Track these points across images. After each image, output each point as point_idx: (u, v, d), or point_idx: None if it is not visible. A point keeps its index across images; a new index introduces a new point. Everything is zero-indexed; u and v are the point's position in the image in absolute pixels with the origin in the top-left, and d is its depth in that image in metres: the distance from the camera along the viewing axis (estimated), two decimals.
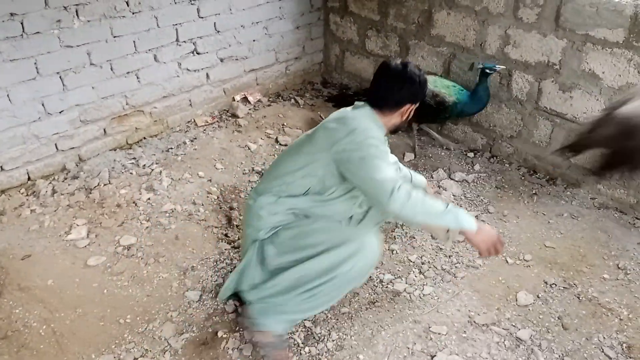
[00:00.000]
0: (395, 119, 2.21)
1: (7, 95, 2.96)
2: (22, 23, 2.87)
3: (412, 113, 2.22)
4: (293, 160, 2.18)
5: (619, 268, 2.73)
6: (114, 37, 3.26)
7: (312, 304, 2.14)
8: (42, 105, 3.11)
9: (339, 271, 2.06)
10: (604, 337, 2.35)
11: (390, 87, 2.13)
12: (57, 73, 3.10)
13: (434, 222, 2.05)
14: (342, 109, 2.22)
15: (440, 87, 3.36)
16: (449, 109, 3.33)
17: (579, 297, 2.56)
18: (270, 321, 2.15)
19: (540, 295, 2.57)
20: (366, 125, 2.08)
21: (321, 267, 2.07)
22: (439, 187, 3.33)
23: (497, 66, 3.24)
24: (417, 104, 2.21)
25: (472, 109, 3.39)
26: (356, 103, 2.21)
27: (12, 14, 2.82)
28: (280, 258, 2.16)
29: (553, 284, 2.63)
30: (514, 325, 2.40)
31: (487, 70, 3.23)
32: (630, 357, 2.26)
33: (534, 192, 3.32)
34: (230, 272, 2.62)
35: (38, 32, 2.94)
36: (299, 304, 2.13)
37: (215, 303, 2.47)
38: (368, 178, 1.99)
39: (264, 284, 2.18)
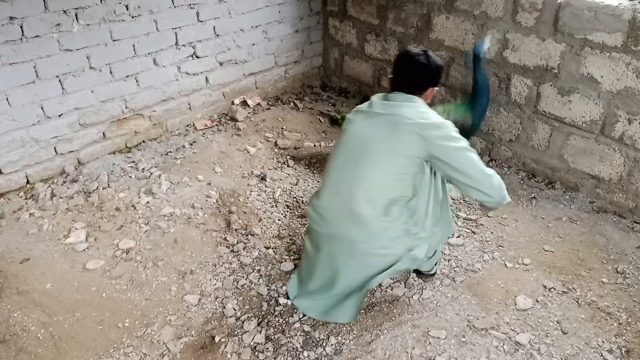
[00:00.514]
0: (426, 99, 2.32)
1: (7, 99, 2.96)
2: (21, 27, 2.87)
3: (435, 96, 2.43)
4: (389, 170, 2.21)
5: (617, 272, 2.73)
6: (114, 40, 3.27)
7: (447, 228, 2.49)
8: (42, 108, 3.11)
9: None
10: (603, 341, 2.35)
11: (414, 73, 2.24)
12: (57, 77, 3.11)
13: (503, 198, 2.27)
14: (378, 104, 2.27)
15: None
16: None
17: (577, 301, 2.56)
18: (337, 314, 2.37)
19: (539, 299, 2.57)
20: (435, 114, 2.24)
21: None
22: None
23: (484, 43, 3.17)
24: (439, 87, 2.37)
25: (481, 108, 3.26)
26: (391, 95, 2.27)
27: (11, 18, 2.82)
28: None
29: (552, 288, 2.63)
30: (513, 330, 2.40)
31: (477, 54, 3.17)
32: None
33: (532, 195, 3.32)
34: (232, 274, 2.62)
35: (37, 36, 2.95)
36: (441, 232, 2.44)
37: (214, 307, 2.46)
38: (470, 173, 2.19)
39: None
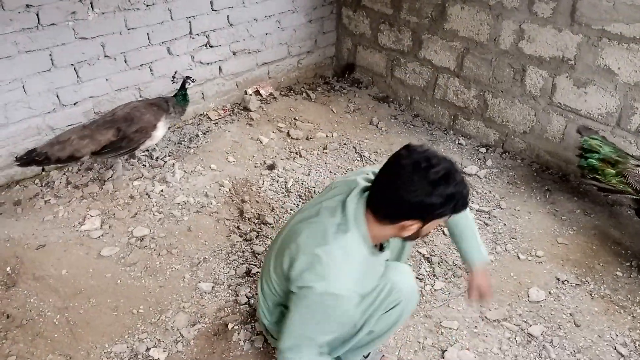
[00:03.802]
0: (389, 231, 1.61)
1: (23, 87, 2.98)
2: (37, 14, 2.89)
3: (422, 233, 1.62)
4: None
5: (632, 265, 2.71)
6: (128, 29, 3.28)
7: (376, 341, 1.94)
8: (57, 96, 3.14)
9: (398, 321, 1.86)
10: (617, 335, 2.34)
11: (392, 187, 1.50)
12: (72, 65, 3.13)
13: None
14: (334, 205, 1.66)
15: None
16: None
17: (591, 294, 2.55)
18: None
19: (552, 291, 2.56)
20: (336, 278, 1.55)
21: (380, 331, 1.86)
22: None
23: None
24: (433, 223, 1.58)
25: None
26: (355, 193, 1.64)
27: (27, 6, 2.84)
28: (340, 349, 1.88)
29: (565, 280, 2.62)
30: (525, 321, 2.40)
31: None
32: None
33: (546, 188, 3.30)
34: (243, 265, 2.64)
35: (53, 24, 2.96)
36: (363, 351, 1.98)
37: (228, 294, 2.48)
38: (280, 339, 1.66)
39: None
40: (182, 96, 3.24)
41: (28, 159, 2.79)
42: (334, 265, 1.54)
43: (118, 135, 2.93)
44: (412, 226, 1.54)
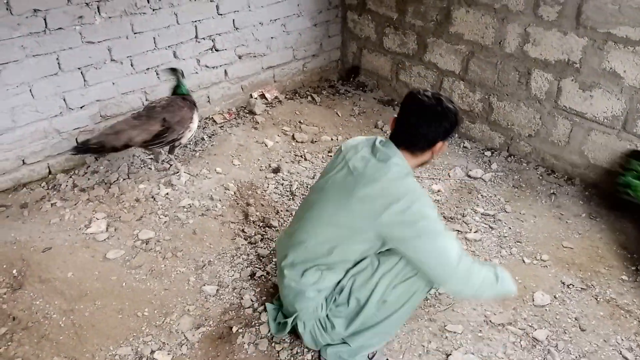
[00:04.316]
0: (426, 157, 1.97)
1: (30, 90, 3.01)
2: (44, 19, 2.91)
3: (443, 150, 2.00)
4: (324, 234, 1.93)
5: (638, 270, 2.70)
6: (135, 33, 3.30)
7: (383, 336, 2.11)
8: (64, 100, 3.16)
9: (412, 300, 2.00)
10: (622, 339, 2.32)
11: (422, 125, 1.89)
12: (79, 68, 3.15)
13: (487, 295, 1.93)
14: (362, 153, 1.94)
15: None
16: None
17: (596, 298, 2.54)
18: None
19: (557, 295, 2.55)
20: (408, 185, 1.83)
21: (394, 305, 1.98)
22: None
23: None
24: (448, 140, 1.98)
25: None
26: (377, 141, 1.96)
27: (35, 10, 2.86)
28: (351, 324, 2.02)
29: (570, 284, 2.61)
30: (530, 326, 2.39)
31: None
32: None
33: (552, 191, 3.29)
34: (248, 269, 2.65)
35: (60, 28, 2.99)
36: (375, 339, 2.08)
37: (232, 297, 2.49)
38: (433, 262, 1.81)
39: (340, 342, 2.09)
40: (183, 88, 3.29)
41: (84, 147, 2.91)
42: (407, 184, 1.84)
43: (164, 126, 3.03)
44: (443, 147, 1.95)
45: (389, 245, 1.89)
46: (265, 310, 2.40)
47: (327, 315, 2.05)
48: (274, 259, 2.71)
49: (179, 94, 3.26)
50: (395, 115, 1.98)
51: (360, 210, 1.83)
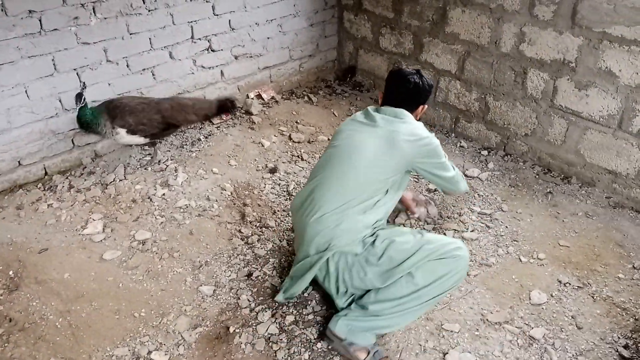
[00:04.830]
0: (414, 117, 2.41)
1: (25, 91, 3.00)
2: (40, 20, 2.91)
3: (424, 112, 2.49)
4: (373, 173, 2.22)
5: (634, 268, 2.71)
6: (130, 34, 3.30)
7: (403, 316, 2.19)
8: (59, 101, 3.16)
9: (438, 283, 2.15)
10: (619, 337, 2.33)
11: (408, 94, 2.36)
12: (74, 69, 3.14)
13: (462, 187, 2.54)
14: (374, 115, 2.34)
15: None
16: None
17: (593, 297, 2.54)
18: (360, 338, 2.18)
19: (554, 294, 2.55)
20: (424, 128, 2.33)
21: (421, 281, 2.14)
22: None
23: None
24: (428, 105, 2.50)
25: None
26: (385, 109, 2.36)
27: (30, 11, 2.86)
28: (383, 271, 2.17)
29: (567, 282, 2.61)
30: (527, 324, 2.39)
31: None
32: None
33: (548, 190, 3.30)
34: (247, 267, 2.65)
35: (56, 29, 2.98)
36: (390, 318, 2.18)
37: (229, 297, 2.49)
38: (445, 177, 2.39)
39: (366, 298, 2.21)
40: (88, 112, 2.98)
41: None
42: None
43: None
44: (424, 109, 2.45)
45: (419, 169, 2.32)
46: (262, 309, 2.40)
47: (362, 258, 2.18)
48: (270, 259, 2.71)
49: (86, 121, 2.96)
50: (382, 92, 2.46)
51: (402, 147, 2.22)
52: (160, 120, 3.14)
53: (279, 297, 2.40)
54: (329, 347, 2.26)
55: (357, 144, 2.26)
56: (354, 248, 2.17)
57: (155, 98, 3.27)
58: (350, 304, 2.25)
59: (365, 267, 2.17)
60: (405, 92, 2.36)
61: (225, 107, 3.36)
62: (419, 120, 2.42)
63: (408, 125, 2.28)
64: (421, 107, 2.43)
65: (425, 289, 2.14)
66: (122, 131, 3.04)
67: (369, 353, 2.18)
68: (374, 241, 2.20)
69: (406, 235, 2.22)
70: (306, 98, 4.34)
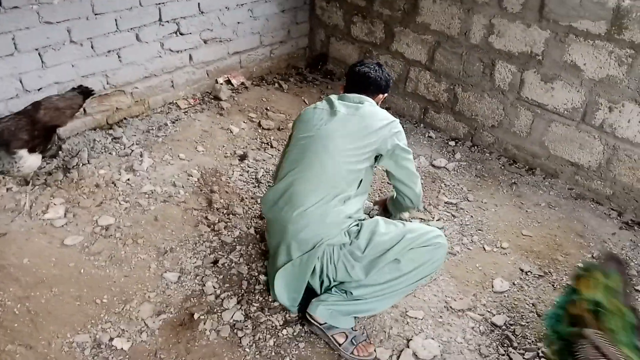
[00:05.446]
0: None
1: None
2: None
3: (383, 101, 2.56)
4: (350, 162, 2.22)
5: (593, 258, 2.78)
6: (95, 14, 3.20)
7: (384, 300, 2.24)
8: (20, 82, 3.05)
9: (420, 269, 2.20)
10: None
11: (368, 84, 2.43)
12: (36, 49, 3.04)
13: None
14: (339, 104, 2.34)
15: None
16: None
17: (553, 285, 2.61)
18: (340, 321, 2.21)
19: (515, 282, 2.61)
20: (389, 115, 2.37)
21: (405, 268, 2.18)
22: None
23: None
24: (388, 94, 2.56)
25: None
26: (349, 96, 2.39)
27: None
28: (367, 262, 2.18)
29: (529, 271, 2.67)
30: (489, 311, 2.44)
31: None
32: None
33: (513, 181, 3.36)
34: (212, 254, 2.62)
35: (16, 7, 2.87)
36: (371, 302, 2.22)
37: (194, 284, 2.46)
38: (411, 170, 2.40)
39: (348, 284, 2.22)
40: None
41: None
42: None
43: None
44: (384, 96, 2.51)
45: (385, 155, 2.31)
46: (228, 296, 2.39)
47: (347, 252, 2.18)
48: (237, 246, 2.69)
49: None
50: (343, 84, 2.50)
51: (376, 131, 2.25)
52: (42, 128, 2.75)
53: (294, 310, 2.35)
54: (295, 333, 2.27)
55: (331, 134, 2.24)
56: (342, 239, 2.17)
57: (20, 110, 2.81)
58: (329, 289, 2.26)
59: (351, 261, 2.16)
60: (364, 80, 2.42)
61: (87, 96, 3.07)
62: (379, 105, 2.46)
63: (375, 109, 2.34)
64: (381, 95, 2.48)
65: (408, 274, 2.19)
66: (23, 152, 2.63)
67: (347, 337, 2.20)
68: (358, 232, 2.20)
69: (388, 225, 2.24)
70: (276, 85, 4.31)
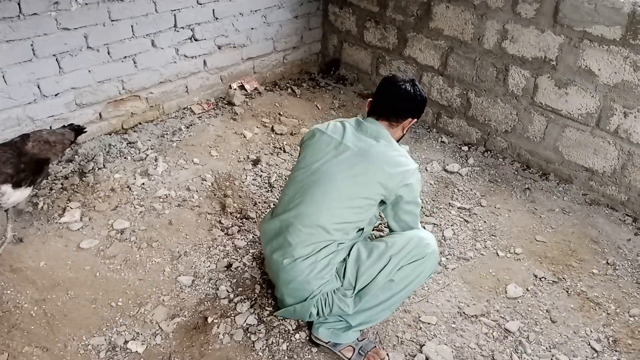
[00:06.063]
0: (399, 131, 2.23)
1: (3, 76, 2.94)
2: (19, 4, 2.85)
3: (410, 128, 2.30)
4: (350, 213, 2.08)
5: (608, 263, 2.76)
6: (112, 21, 3.25)
7: (383, 313, 2.22)
8: (38, 87, 3.10)
9: (415, 282, 2.16)
10: (591, 331, 2.38)
11: (398, 102, 2.17)
12: (54, 55, 3.09)
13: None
14: (354, 133, 2.14)
15: None
16: None
17: (567, 291, 2.59)
18: (343, 337, 2.21)
19: (529, 288, 2.59)
20: (409, 160, 2.14)
21: (397, 287, 2.14)
22: None
23: None
24: (417, 119, 2.29)
25: None
26: (367, 119, 2.19)
27: None
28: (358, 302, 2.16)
29: (542, 277, 2.65)
30: (502, 317, 2.43)
31: None
32: (615, 351, 2.29)
33: (526, 186, 3.34)
34: (224, 260, 2.64)
35: (35, 14, 2.92)
36: (369, 317, 2.20)
37: (208, 288, 2.48)
38: (409, 226, 2.20)
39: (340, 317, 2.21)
40: None
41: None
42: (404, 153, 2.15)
43: None
44: (410, 122, 2.23)
45: (389, 203, 2.14)
46: (241, 300, 2.40)
47: (340, 293, 2.14)
48: (251, 250, 2.71)
49: None
50: (370, 99, 2.25)
51: (380, 185, 2.05)
52: (29, 160, 2.57)
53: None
54: (308, 338, 2.27)
55: (335, 175, 2.07)
56: (333, 285, 2.13)
57: (7, 141, 2.67)
58: None
59: (343, 300, 2.13)
60: (394, 99, 2.16)
61: (79, 133, 2.96)
62: (405, 133, 2.27)
63: (388, 151, 2.10)
64: (409, 119, 2.21)
65: (403, 290, 2.15)
66: (6, 187, 2.43)
67: (354, 350, 2.20)
68: (344, 272, 2.12)
69: (371, 251, 2.12)
70: (289, 90, 4.33)
